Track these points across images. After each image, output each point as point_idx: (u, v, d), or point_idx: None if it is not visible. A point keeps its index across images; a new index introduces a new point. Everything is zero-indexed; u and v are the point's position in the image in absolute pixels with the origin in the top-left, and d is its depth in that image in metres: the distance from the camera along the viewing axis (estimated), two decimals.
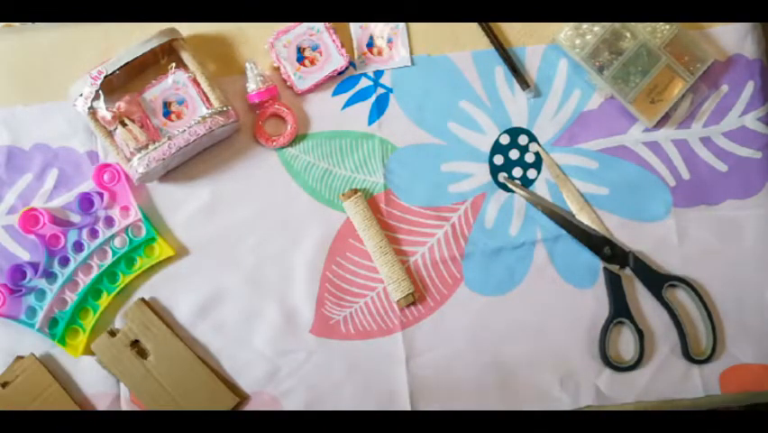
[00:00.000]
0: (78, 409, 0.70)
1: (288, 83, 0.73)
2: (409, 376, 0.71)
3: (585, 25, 0.72)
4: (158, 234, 0.71)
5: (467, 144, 0.73)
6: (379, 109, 0.73)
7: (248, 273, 0.72)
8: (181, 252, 0.72)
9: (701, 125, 0.74)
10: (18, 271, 0.70)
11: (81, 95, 0.67)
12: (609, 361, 0.70)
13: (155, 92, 0.70)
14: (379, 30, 0.74)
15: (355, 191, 0.71)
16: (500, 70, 0.74)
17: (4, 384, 0.69)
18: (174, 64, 0.70)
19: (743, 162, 0.73)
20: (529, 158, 0.73)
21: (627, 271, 0.71)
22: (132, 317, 0.70)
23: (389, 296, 0.71)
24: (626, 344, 0.71)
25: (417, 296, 0.71)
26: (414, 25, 0.74)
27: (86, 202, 0.71)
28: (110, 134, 0.69)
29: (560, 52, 0.74)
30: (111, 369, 0.70)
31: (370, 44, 0.74)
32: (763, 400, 0.72)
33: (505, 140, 0.74)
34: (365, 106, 0.74)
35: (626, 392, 0.71)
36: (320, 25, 0.72)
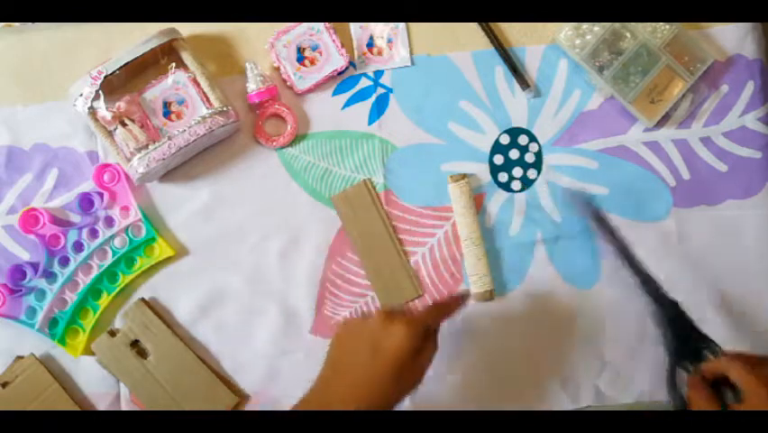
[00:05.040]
0: (78, 409, 0.70)
1: (288, 83, 0.73)
2: None
3: (585, 25, 0.72)
4: (158, 234, 0.71)
5: (467, 144, 0.73)
6: (379, 109, 0.73)
7: (248, 273, 0.72)
8: (181, 252, 0.72)
9: (701, 125, 0.74)
10: (18, 271, 0.70)
11: (81, 95, 0.67)
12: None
13: (155, 92, 0.70)
14: (379, 30, 0.74)
15: (463, 176, 0.71)
16: (500, 70, 0.74)
17: (4, 384, 0.69)
18: (174, 64, 0.70)
19: (743, 162, 0.73)
20: (529, 158, 0.73)
21: None
22: (132, 317, 0.70)
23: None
24: None
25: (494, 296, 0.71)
26: (414, 25, 0.74)
27: (86, 202, 0.71)
28: (110, 134, 0.69)
29: (560, 52, 0.74)
30: (111, 369, 0.70)
31: (370, 44, 0.74)
32: None
33: (505, 140, 0.74)
34: (365, 106, 0.74)
35: (626, 392, 0.71)
36: (320, 25, 0.72)
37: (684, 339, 0.65)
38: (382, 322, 0.59)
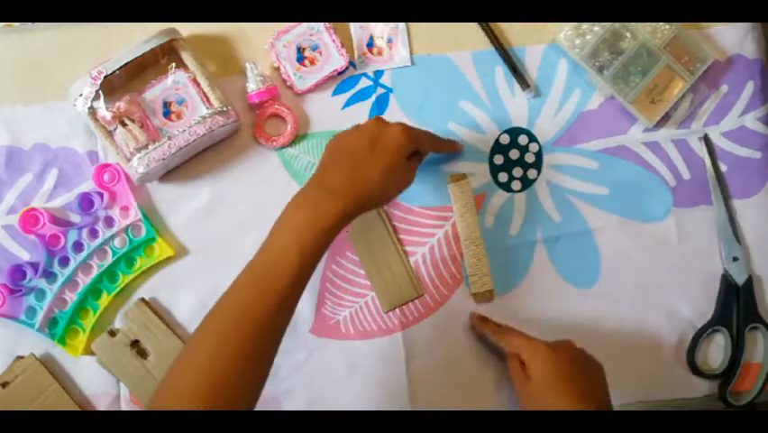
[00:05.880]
0: (78, 409, 0.70)
1: (288, 83, 0.73)
2: (409, 376, 0.71)
3: (585, 25, 0.72)
4: (158, 234, 0.71)
5: (467, 144, 0.73)
6: (379, 109, 0.73)
7: None
8: (181, 252, 0.72)
9: (701, 125, 0.74)
10: (18, 271, 0.70)
11: (81, 95, 0.67)
12: (697, 367, 0.71)
13: (155, 92, 0.70)
14: (379, 30, 0.74)
15: (463, 176, 0.72)
16: (500, 70, 0.74)
17: (4, 384, 0.69)
18: (174, 64, 0.70)
19: (743, 162, 0.73)
20: (529, 158, 0.73)
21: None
22: (132, 317, 0.70)
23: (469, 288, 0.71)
24: (715, 352, 0.72)
25: (494, 295, 0.71)
26: (414, 25, 0.74)
27: (86, 202, 0.71)
28: (110, 134, 0.69)
29: (560, 52, 0.74)
30: (111, 369, 0.70)
31: (370, 44, 0.74)
32: (764, 399, 0.72)
33: (505, 140, 0.74)
34: (365, 106, 0.74)
35: (625, 392, 0.71)
36: (320, 25, 0.72)
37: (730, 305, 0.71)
38: (379, 123, 0.63)
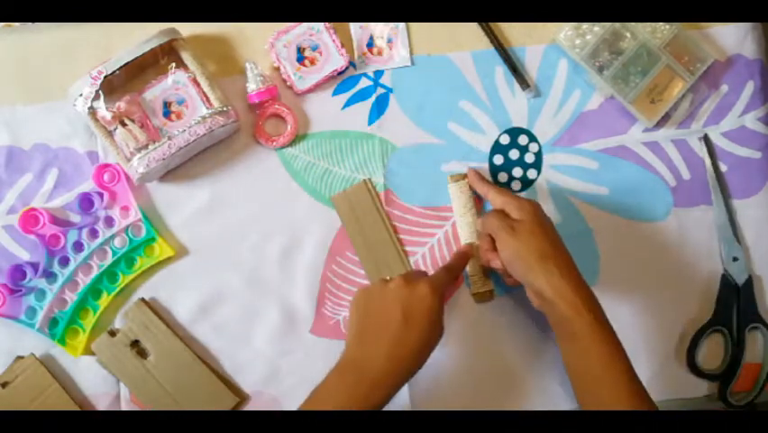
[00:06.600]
0: (78, 409, 0.70)
1: (288, 83, 0.73)
2: None
3: (585, 25, 0.72)
4: (158, 234, 0.71)
5: (467, 144, 0.73)
6: (378, 109, 0.73)
7: (248, 273, 0.72)
8: (181, 252, 0.72)
9: (701, 125, 0.74)
10: (18, 271, 0.70)
11: (81, 95, 0.67)
12: (697, 367, 0.71)
13: (155, 92, 0.70)
14: (379, 30, 0.74)
15: (463, 176, 0.72)
16: (500, 70, 0.74)
17: (4, 384, 0.69)
18: (174, 64, 0.70)
19: (743, 162, 0.73)
20: (529, 158, 0.73)
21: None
22: (132, 317, 0.70)
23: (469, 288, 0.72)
24: (715, 352, 0.72)
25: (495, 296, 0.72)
26: (414, 25, 0.74)
27: (86, 202, 0.71)
28: (110, 134, 0.69)
29: (560, 52, 0.74)
30: (111, 369, 0.70)
31: (370, 44, 0.74)
32: (764, 399, 0.72)
33: (505, 140, 0.74)
34: (365, 106, 0.74)
35: None
36: (320, 25, 0.72)
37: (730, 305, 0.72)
38: (406, 286, 0.61)
